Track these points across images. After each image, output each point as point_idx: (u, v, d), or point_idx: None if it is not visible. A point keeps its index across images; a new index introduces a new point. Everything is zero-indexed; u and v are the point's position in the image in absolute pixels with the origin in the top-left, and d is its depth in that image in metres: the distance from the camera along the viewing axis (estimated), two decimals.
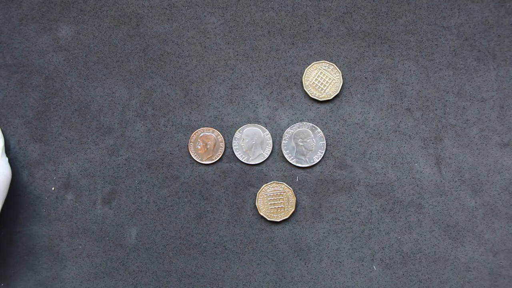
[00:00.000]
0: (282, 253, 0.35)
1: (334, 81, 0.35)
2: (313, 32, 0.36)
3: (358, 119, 0.36)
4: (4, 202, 0.34)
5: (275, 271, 0.35)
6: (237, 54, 0.36)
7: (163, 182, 0.36)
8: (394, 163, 0.35)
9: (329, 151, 0.36)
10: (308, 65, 0.35)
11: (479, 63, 0.35)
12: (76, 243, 0.36)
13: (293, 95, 0.36)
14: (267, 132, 0.36)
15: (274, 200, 0.35)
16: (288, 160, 0.35)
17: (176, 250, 0.36)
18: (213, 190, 0.36)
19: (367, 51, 0.35)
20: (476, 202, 0.35)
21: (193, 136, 0.36)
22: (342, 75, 0.35)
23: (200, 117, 0.36)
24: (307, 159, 0.35)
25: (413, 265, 0.35)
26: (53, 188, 0.36)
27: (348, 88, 0.36)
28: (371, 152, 0.35)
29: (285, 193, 0.35)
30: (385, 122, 0.35)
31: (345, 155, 0.35)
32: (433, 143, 0.35)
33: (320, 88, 0.35)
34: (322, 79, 0.35)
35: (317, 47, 0.36)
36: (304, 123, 0.35)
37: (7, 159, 0.35)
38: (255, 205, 0.35)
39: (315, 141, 0.35)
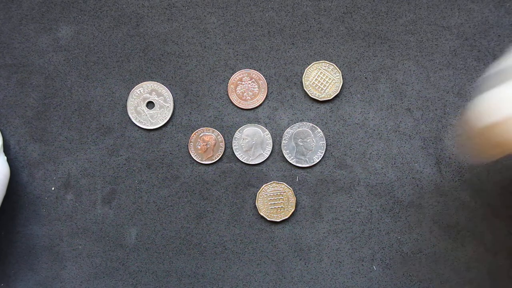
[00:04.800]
0: (282, 253, 0.35)
1: (334, 81, 0.35)
2: (313, 32, 0.36)
3: (358, 119, 0.36)
4: (3, 202, 0.34)
5: (275, 271, 0.35)
6: (237, 54, 0.36)
7: (163, 182, 0.36)
8: (394, 163, 0.35)
9: (329, 151, 0.36)
10: (308, 65, 0.35)
11: (479, 63, 0.35)
12: (76, 243, 0.36)
13: (293, 95, 0.36)
14: (267, 132, 0.36)
15: (274, 200, 0.35)
16: (288, 160, 0.35)
17: (176, 250, 0.36)
18: (213, 190, 0.36)
19: (367, 51, 0.35)
20: (476, 202, 0.35)
21: (193, 136, 0.36)
22: (342, 75, 0.35)
23: (200, 117, 0.36)
24: (307, 159, 0.35)
25: (413, 265, 0.35)
26: (53, 188, 0.36)
27: (348, 88, 0.36)
28: (371, 152, 0.35)
29: (285, 193, 0.35)
30: (385, 122, 0.35)
31: (345, 155, 0.35)
32: (433, 143, 0.35)
33: (320, 88, 0.35)
34: (322, 79, 0.35)
35: (317, 47, 0.36)
36: (304, 123, 0.35)
37: (5, 157, 0.35)
38: (255, 205, 0.35)
39: (315, 141, 0.35)
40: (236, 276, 0.35)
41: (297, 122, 0.36)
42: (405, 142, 0.35)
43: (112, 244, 0.36)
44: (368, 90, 0.36)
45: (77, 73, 0.36)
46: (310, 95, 0.35)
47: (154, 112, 0.36)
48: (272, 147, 0.36)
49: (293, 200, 0.35)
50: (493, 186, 0.35)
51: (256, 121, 0.36)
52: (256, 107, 0.36)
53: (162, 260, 0.36)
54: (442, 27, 0.35)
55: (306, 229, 0.35)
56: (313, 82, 0.35)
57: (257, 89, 0.36)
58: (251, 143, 0.35)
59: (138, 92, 0.36)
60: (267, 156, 0.35)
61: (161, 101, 0.36)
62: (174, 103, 0.36)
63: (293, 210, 0.35)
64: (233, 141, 0.36)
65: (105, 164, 0.36)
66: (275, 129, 0.36)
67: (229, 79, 0.36)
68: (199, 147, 0.35)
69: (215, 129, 0.36)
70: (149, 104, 0.36)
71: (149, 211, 0.36)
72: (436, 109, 0.35)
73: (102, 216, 0.36)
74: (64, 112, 0.36)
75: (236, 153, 0.36)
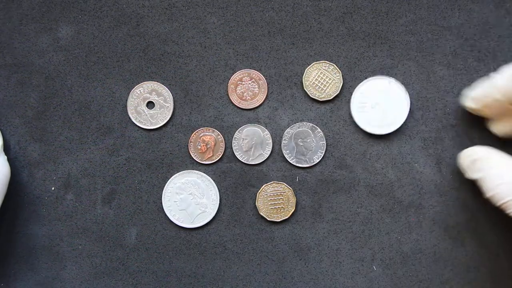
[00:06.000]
0: (282, 253, 0.35)
1: (334, 81, 0.35)
2: (313, 32, 0.36)
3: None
4: (3, 201, 0.34)
5: (275, 271, 0.35)
6: (237, 54, 0.36)
7: (163, 182, 0.36)
8: (394, 163, 0.35)
9: (329, 151, 0.36)
10: (308, 65, 0.35)
11: (479, 63, 0.35)
12: (76, 243, 0.36)
13: (293, 95, 0.36)
14: (267, 132, 0.36)
15: (274, 200, 0.35)
16: (288, 160, 0.35)
17: (176, 250, 0.36)
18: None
19: (367, 51, 0.35)
20: (476, 202, 0.35)
21: (193, 136, 0.36)
22: (342, 75, 0.35)
23: (200, 117, 0.36)
24: (307, 159, 0.35)
25: (413, 265, 0.35)
26: (53, 188, 0.36)
27: (348, 88, 0.36)
28: (371, 152, 0.35)
29: (285, 193, 0.35)
30: None
31: (345, 155, 0.35)
32: (433, 143, 0.35)
33: (320, 88, 0.35)
34: (322, 79, 0.35)
35: (317, 47, 0.36)
36: (304, 123, 0.35)
37: (5, 157, 0.35)
38: (255, 205, 0.35)
39: (315, 141, 0.35)
40: (236, 276, 0.35)
41: (297, 122, 0.36)
42: (405, 142, 0.35)
43: (112, 244, 0.36)
44: None
45: (77, 73, 0.36)
46: (310, 95, 0.35)
47: (154, 112, 0.36)
48: (272, 147, 0.36)
49: (293, 200, 0.35)
50: None
51: (256, 121, 0.36)
52: (256, 107, 0.36)
53: (162, 260, 0.36)
54: (442, 27, 0.35)
55: (306, 229, 0.35)
56: (313, 82, 0.35)
57: (257, 89, 0.36)
58: (251, 143, 0.35)
59: (138, 92, 0.36)
60: (267, 156, 0.35)
61: (161, 101, 0.36)
62: (174, 103, 0.36)
63: (293, 210, 0.35)
64: (233, 141, 0.36)
65: (105, 164, 0.36)
66: (275, 129, 0.36)
67: (229, 79, 0.36)
68: (199, 147, 0.35)
69: (215, 129, 0.36)
70: (149, 104, 0.36)
71: (149, 211, 0.36)
72: (436, 109, 0.35)
73: (102, 216, 0.36)
74: (64, 112, 0.36)
75: (236, 153, 0.36)
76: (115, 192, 0.36)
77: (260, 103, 0.36)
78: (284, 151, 0.35)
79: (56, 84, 0.36)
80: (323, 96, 0.35)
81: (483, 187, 0.31)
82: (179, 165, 0.36)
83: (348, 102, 0.36)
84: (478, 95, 0.33)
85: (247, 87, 0.35)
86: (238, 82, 0.35)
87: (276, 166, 0.36)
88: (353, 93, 0.35)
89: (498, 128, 0.33)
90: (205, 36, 0.36)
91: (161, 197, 0.36)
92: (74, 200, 0.36)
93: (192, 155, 0.36)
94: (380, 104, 0.35)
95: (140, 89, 0.36)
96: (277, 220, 0.35)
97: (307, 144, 0.35)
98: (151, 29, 0.36)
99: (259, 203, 0.35)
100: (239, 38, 0.36)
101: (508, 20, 0.35)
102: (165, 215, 0.36)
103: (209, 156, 0.35)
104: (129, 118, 0.36)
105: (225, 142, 0.36)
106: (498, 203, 0.30)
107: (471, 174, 0.32)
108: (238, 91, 0.36)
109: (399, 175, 0.35)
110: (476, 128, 0.35)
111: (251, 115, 0.36)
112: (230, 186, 0.36)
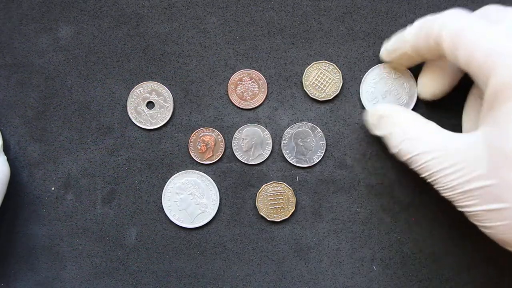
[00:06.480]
0: (282, 253, 0.35)
1: (334, 81, 0.35)
2: (313, 32, 0.36)
3: (358, 119, 0.36)
4: (3, 201, 0.34)
5: (275, 271, 0.35)
6: (237, 54, 0.36)
7: (163, 182, 0.36)
8: (394, 163, 0.35)
9: (329, 151, 0.36)
10: (308, 65, 0.35)
11: None
12: (76, 243, 0.36)
13: (293, 95, 0.36)
14: (267, 132, 0.36)
15: (274, 200, 0.35)
16: (288, 160, 0.35)
17: (176, 250, 0.36)
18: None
19: (367, 51, 0.35)
20: None
21: (193, 136, 0.36)
22: (342, 75, 0.35)
23: (200, 117, 0.36)
24: (307, 159, 0.35)
25: (413, 265, 0.35)
26: (53, 188, 0.36)
27: (348, 88, 0.36)
28: (371, 152, 0.35)
29: (285, 193, 0.35)
30: None
31: (345, 155, 0.35)
32: None
33: (320, 88, 0.35)
34: (322, 79, 0.35)
35: (317, 47, 0.36)
36: (304, 123, 0.35)
37: (5, 157, 0.35)
38: (255, 205, 0.35)
39: (315, 141, 0.35)
40: (236, 276, 0.35)
41: (297, 122, 0.36)
42: None
43: (112, 244, 0.36)
44: None
45: (77, 73, 0.36)
46: (310, 95, 0.35)
47: (154, 112, 0.36)
48: (272, 147, 0.36)
49: (293, 200, 0.35)
50: None
51: (256, 121, 0.36)
52: (256, 107, 0.36)
53: (162, 260, 0.36)
54: None
55: (306, 229, 0.35)
56: (313, 82, 0.35)
57: (257, 89, 0.36)
58: (251, 143, 0.35)
59: (138, 92, 0.36)
60: (267, 156, 0.35)
61: (161, 101, 0.36)
62: (174, 103, 0.36)
63: (293, 210, 0.35)
64: (233, 141, 0.36)
65: (105, 164, 0.36)
66: (275, 129, 0.36)
67: (229, 79, 0.36)
68: (199, 147, 0.35)
69: (215, 129, 0.36)
70: (149, 104, 0.36)
71: (149, 211, 0.36)
72: (436, 109, 0.35)
73: (102, 216, 0.36)
74: (64, 112, 0.36)
75: (236, 153, 0.36)
76: (115, 192, 0.36)
77: (260, 103, 0.36)
78: (284, 151, 0.35)
79: (56, 84, 0.36)
80: (323, 96, 0.35)
81: (388, 144, 0.31)
82: (179, 165, 0.36)
83: (348, 101, 0.36)
84: (390, 48, 0.33)
85: (247, 87, 0.35)
86: (238, 82, 0.35)
87: (276, 166, 0.36)
88: (360, 90, 0.35)
89: (425, 89, 0.33)
90: (205, 36, 0.36)
91: (161, 197, 0.36)
92: (74, 200, 0.36)
93: (192, 155, 0.36)
94: (389, 91, 0.35)
95: (140, 89, 0.36)
96: (277, 220, 0.35)
97: (307, 144, 0.35)
98: (151, 29, 0.36)
99: (259, 203, 0.35)
100: (239, 38, 0.36)
101: None
102: (165, 215, 0.36)
103: (209, 156, 0.35)
104: (129, 118, 0.36)
105: (225, 142, 0.36)
106: (403, 159, 0.30)
107: (377, 131, 0.32)
108: (238, 91, 0.36)
109: (399, 175, 0.35)
110: None
111: (251, 115, 0.36)
112: (230, 186, 0.36)
